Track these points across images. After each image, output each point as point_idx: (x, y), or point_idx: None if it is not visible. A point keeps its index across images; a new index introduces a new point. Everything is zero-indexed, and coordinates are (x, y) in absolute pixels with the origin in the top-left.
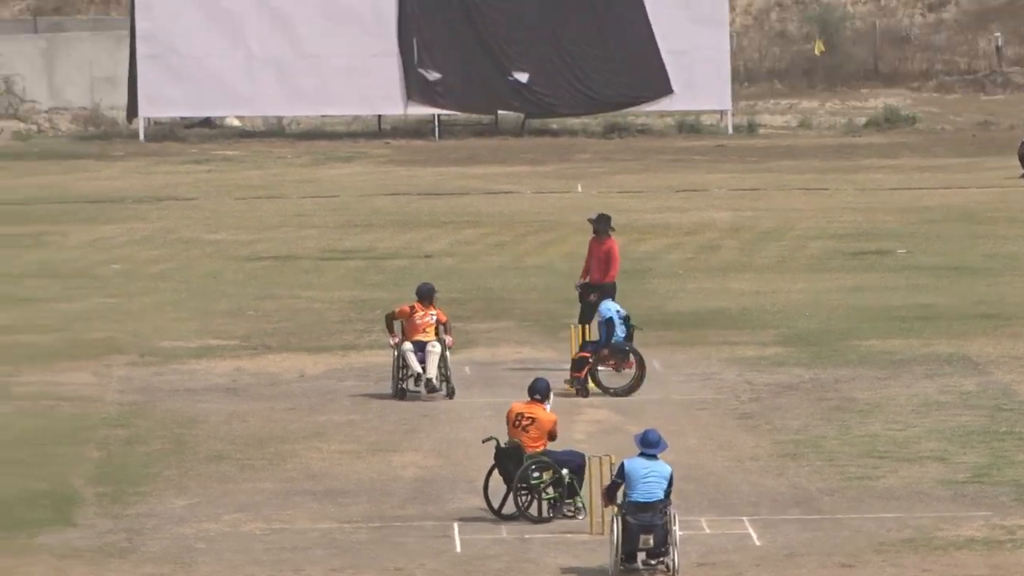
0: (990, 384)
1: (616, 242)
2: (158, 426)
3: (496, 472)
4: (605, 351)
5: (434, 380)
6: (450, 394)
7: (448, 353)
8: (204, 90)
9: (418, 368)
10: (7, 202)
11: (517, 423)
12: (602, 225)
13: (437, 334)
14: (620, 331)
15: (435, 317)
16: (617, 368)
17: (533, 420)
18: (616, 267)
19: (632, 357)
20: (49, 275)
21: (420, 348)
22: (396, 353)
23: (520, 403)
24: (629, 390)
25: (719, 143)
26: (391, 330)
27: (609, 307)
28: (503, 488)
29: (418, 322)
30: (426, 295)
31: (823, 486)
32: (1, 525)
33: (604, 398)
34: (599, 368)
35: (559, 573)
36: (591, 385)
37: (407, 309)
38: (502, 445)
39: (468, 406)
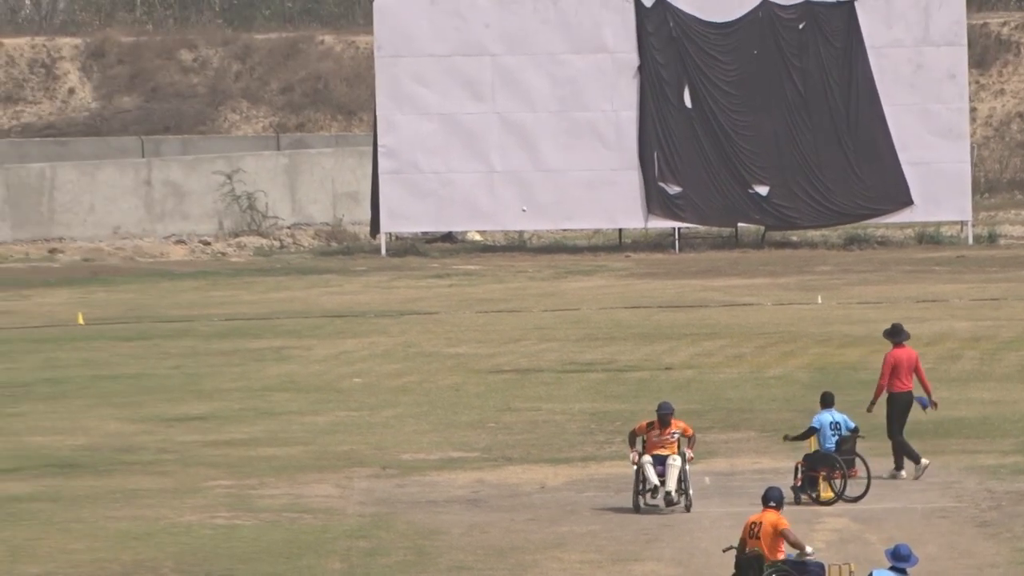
0: None
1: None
2: (400, 537)
3: None
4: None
5: (673, 493)
6: (687, 507)
7: (688, 467)
8: (445, 205)
9: (655, 480)
10: (252, 316)
11: (752, 532)
12: (902, 336)
13: (679, 448)
14: (830, 441)
15: (676, 435)
16: (827, 477)
17: (762, 526)
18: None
19: (840, 467)
20: (293, 388)
21: (660, 462)
22: (636, 467)
23: (756, 514)
24: (856, 497)
25: (959, 254)
26: (632, 445)
27: (820, 417)
28: None
29: (655, 440)
30: (664, 417)
31: None
32: None
33: (846, 506)
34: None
35: None
36: (817, 494)
37: (645, 425)
38: (744, 553)
39: (707, 516)
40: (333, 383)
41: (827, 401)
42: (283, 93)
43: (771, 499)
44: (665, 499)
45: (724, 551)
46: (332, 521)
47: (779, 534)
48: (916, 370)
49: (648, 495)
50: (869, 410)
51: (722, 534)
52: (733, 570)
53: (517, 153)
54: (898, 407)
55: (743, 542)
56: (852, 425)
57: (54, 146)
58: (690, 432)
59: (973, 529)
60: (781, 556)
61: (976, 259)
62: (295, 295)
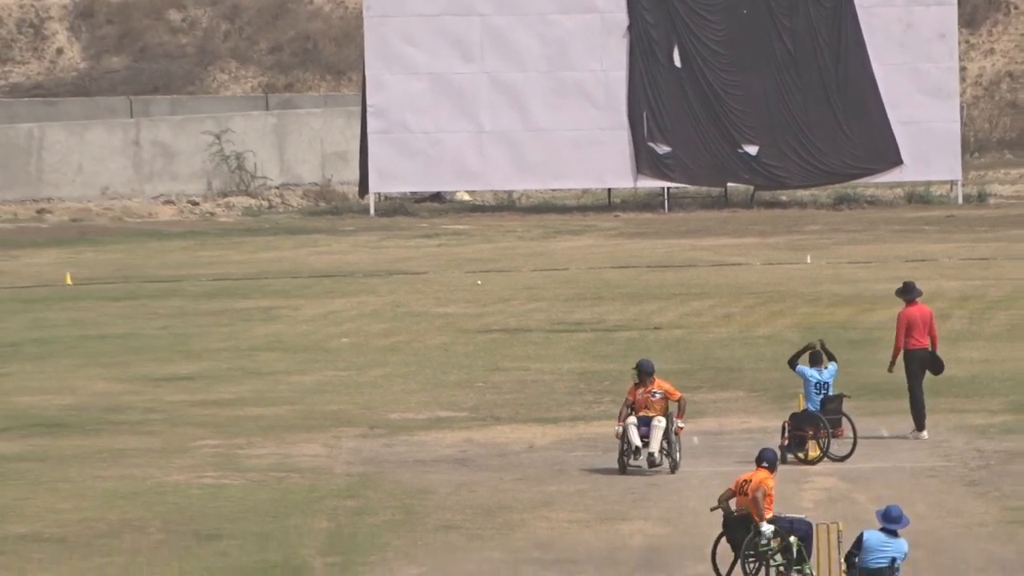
0: None
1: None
2: (387, 497)
3: (724, 540)
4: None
5: (656, 454)
6: (672, 468)
7: (674, 431)
8: (434, 165)
9: (637, 442)
10: (240, 276)
11: (742, 489)
12: (915, 293)
13: (667, 410)
14: (815, 401)
15: (661, 394)
16: (813, 436)
17: (751, 484)
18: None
19: (824, 426)
20: (280, 348)
21: (645, 423)
22: (620, 428)
23: (748, 472)
24: (843, 457)
25: (949, 213)
26: (621, 418)
27: (808, 372)
28: (731, 556)
29: (639, 399)
30: (643, 374)
31: None
32: None
33: (835, 466)
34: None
35: None
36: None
37: (633, 387)
38: (733, 512)
39: (696, 475)
40: (321, 343)
41: (815, 359)
42: (272, 53)
43: (764, 460)
44: (648, 460)
45: (712, 510)
46: (320, 480)
47: (755, 493)
48: (929, 327)
49: (631, 456)
50: (889, 370)
51: (711, 493)
52: (721, 529)
53: (506, 113)
54: (915, 364)
55: (730, 496)
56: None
57: (42, 106)
58: (676, 396)
59: (962, 488)
60: (769, 515)
61: (965, 218)
62: (283, 255)
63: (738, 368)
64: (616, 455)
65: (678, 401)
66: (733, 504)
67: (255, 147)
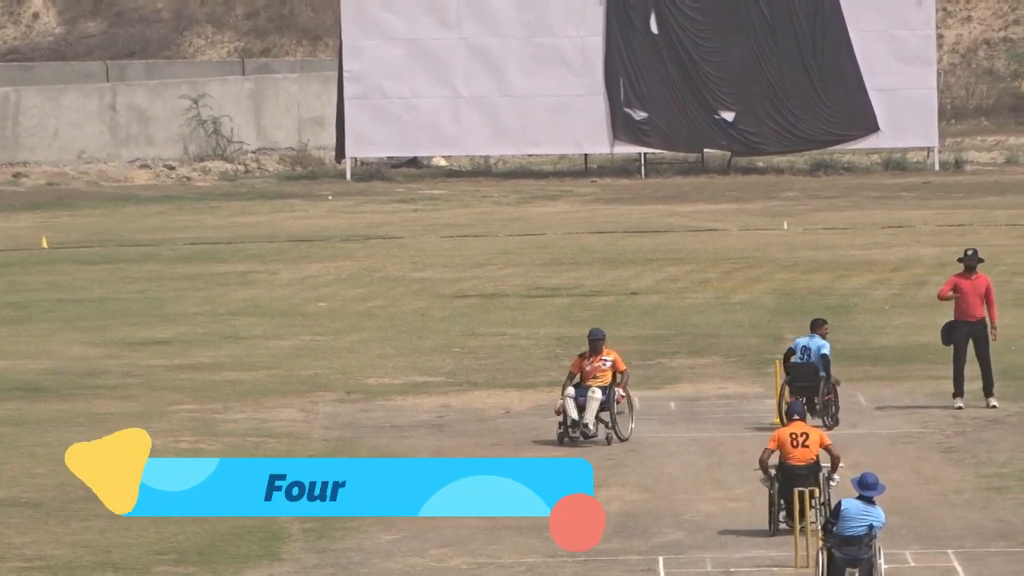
0: None
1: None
2: None
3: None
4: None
5: (590, 426)
6: (608, 440)
7: (615, 405)
8: (411, 130)
9: (574, 415)
10: (216, 241)
11: (798, 441)
12: (977, 260)
13: (614, 380)
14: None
15: (610, 362)
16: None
17: (808, 435)
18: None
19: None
20: (257, 313)
21: (583, 394)
22: (560, 400)
23: (786, 427)
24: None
25: (925, 180)
26: (564, 390)
27: (797, 340)
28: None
29: (588, 369)
30: (594, 342)
31: None
32: (210, 560)
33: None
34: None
35: None
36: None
37: (578, 360)
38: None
39: (673, 441)
40: (298, 307)
41: (812, 326)
42: (248, 18)
43: (796, 412)
44: (582, 432)
45: (757, 471)
46: (296, 446)
47: (826, 448)
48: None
49: (569, 429)
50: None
51: (688, 460)
52: (775, 484)
53: (483, 79)
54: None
55: (770, 455)
56: (821, 354)
57: (18, 71)
58: (623, 367)
59: (938, 455)
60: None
61: (942, 185)
62: (260, 220)
63: (715, 334)
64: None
65: (623, 373)
66: (777, 459)
67: (231, 112)
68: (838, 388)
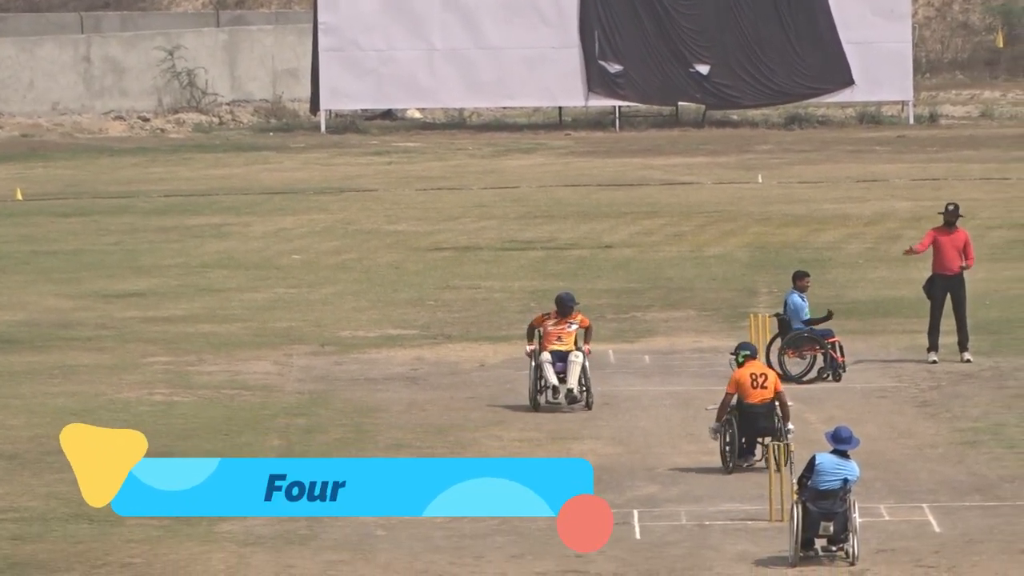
0: None
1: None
2: (338, 415)
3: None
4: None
5: (575, 390)
6: (589, 405)
7: (587, 363)
8: (385, 83)
9: (554, 380)
10: (191, 193)
11: (757, 382)
12: (956, 215)
13: (576, 343)
14: (798, 322)
15: (574, 326)
16: (802, 356)
17: (766, 376)
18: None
19: (822, 345)
20: (231, 266)
21: (560, 358)
22: (532, 363)
23: (743, 368)
24: (801, 376)
25: (900, 134)
26: (530, 339)
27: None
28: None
29: (551, 329)
30: (563, 307)
31: (1003, 473)
32: None
33: (786, 386)
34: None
35: (738, 560)
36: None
37: (541, 316)
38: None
39: (647, 395)
40: (272, 260)
41: (792, 278)
42: None
43: (749, 350)
44: (567, 397)
45: (708, 409)
46: (270, 398)
47: (778, 394)
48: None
49: (548, 393)
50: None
51: (662, 413)
52: (728, 429)
53: (457, 31)
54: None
55: (730, 400)
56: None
57: None
58: (587, 323)
59: (913, 409)
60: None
61: (917, 139)
62: (234, 172)
63: (689, 287)
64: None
65: (587, 328)
66: (734, 400)
67: (206, 64)
68: (839, 343)
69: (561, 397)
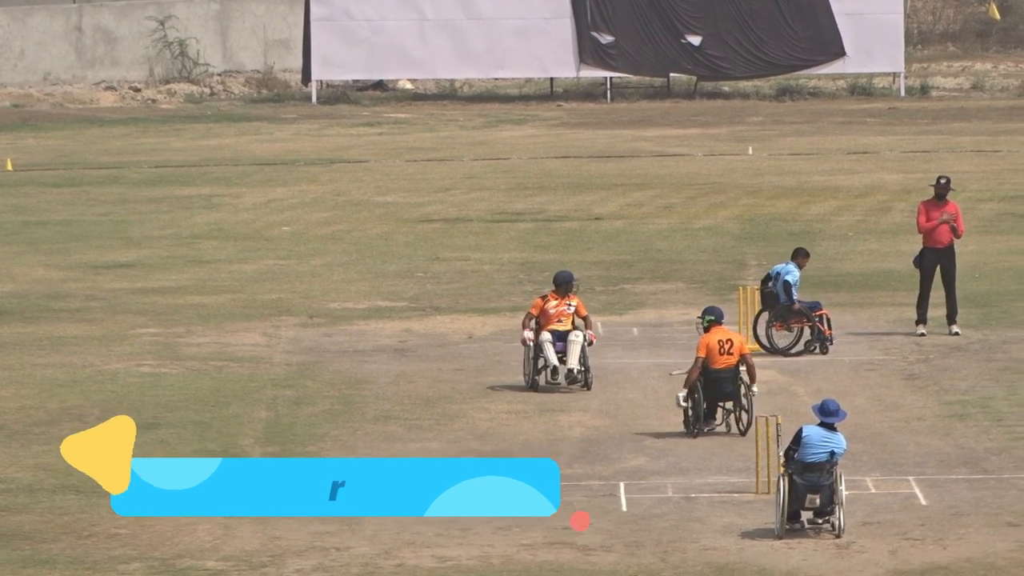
0: None
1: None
2: (326, 387)
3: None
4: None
5: (575, 369)
6: (588, 385)
7: (587, 347)
8: (377, 53)
9: (555, 360)
10: (181, 164)
11: (724, 348)
12: (948, 188)
13: (574, 325)
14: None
15: (573, 307)
16: (789, 329)
17: (732, 342)
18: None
19: (808, 317)
20: (221, 236)
21: (560, 338)
22: (531, 345)
23: (709, 334)
24: (788, 348)
25: (891, 106)
26: (526, 326)
27: (774, 268)
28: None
29: (551, 312)
30: (563, 284)
31: (990, 446)
32: None
33: (774, 359)
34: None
35: (725, 532)
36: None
37: (540, 301)
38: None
39: (635, 367)
40: (262, 231)
41: (792, 255)
42: None
43: (714, 314)
44: (567, 377)
45: (674, 374)
46: (259, 370)
47: (744, 356)
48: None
49: (548, 373)
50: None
51: (650, 385)
52: (690, 395)
53: (449, 1)
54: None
55: (699, 368)
56: (782, 280)
57: None
58: (584, 313)
59: (900, 382)
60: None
61: (908, 111)
62: (225, 142)
63: (678, 259)
64: (524, 372)
65: (585, 318)
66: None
67: (197, 34)
68: (826, 316)
69: (561, 377)
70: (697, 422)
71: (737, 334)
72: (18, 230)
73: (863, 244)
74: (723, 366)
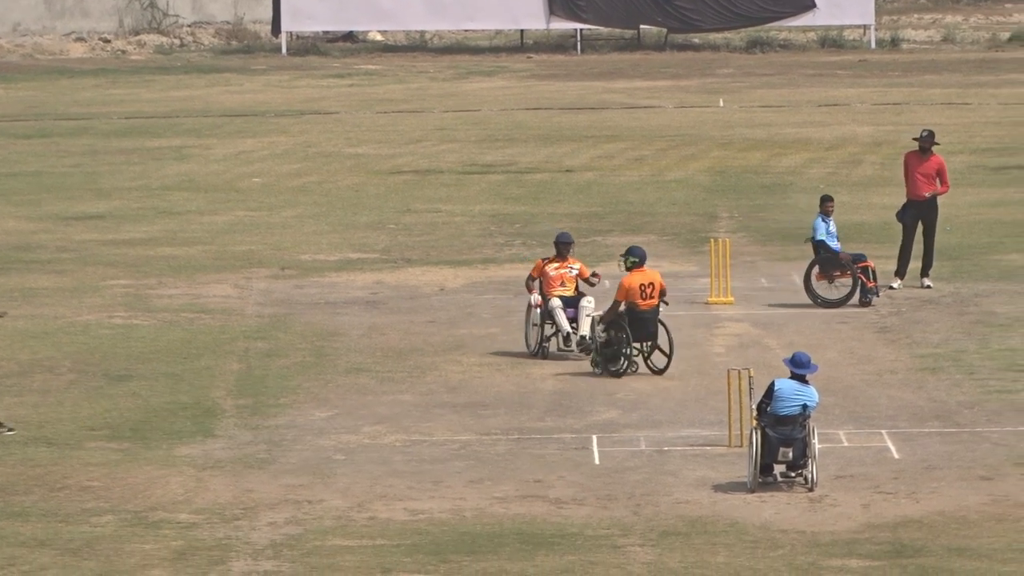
0: None
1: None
2: (298, 339)
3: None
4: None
5: (588, 339)
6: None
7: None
8: (347, 5)
9: (567, 327)
10: (151, 115)
11: (647, 293)
12: (932, 142)
13: (577, 289)
14: (833, 241)
15: (576, 270)
16: (830, 280)
17: (653, 285)
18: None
19: (849, 268)
20: (192, 188)
21: (571, 304)
22: (538, 310)
23: (632, 276)
24: (841, 302)
25: (861, 58)
26: (530, 289)
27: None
28: None
29: (552, 274)
30: (564, 245)
31: (963, 399)
32: (144, 436)
33: (746, 311)
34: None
35: (698, 485)
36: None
37: (541, 263)
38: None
39: None
40: (232, 183)
41: (825, 203)
42: None
43: (638, 255)
44: (579, 344)
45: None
46: (230, 322)
47: (662, 290)
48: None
49: (560, 340)
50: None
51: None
52: (620, 333)
53: None
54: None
55: (617, 307)
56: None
57: None
58: (587, 273)
59: (873, 335)
60: None
61: (878, 63)
62: (195, 94)
63: (650, 212)
64: (526, 336)
65: (588, 279)
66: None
67: None
68: (871, 268)
69: (573, 345)
70: (628, 364)
71: (657, 274)
72: None
73: (834, 196)
74: (646, 307)
